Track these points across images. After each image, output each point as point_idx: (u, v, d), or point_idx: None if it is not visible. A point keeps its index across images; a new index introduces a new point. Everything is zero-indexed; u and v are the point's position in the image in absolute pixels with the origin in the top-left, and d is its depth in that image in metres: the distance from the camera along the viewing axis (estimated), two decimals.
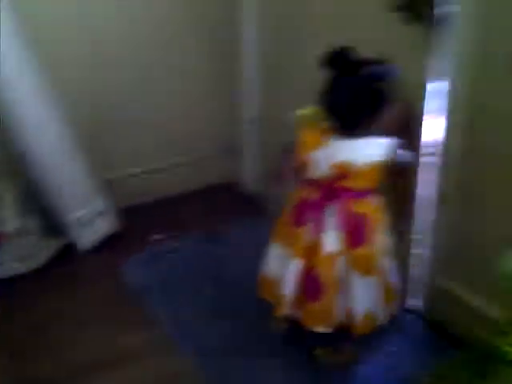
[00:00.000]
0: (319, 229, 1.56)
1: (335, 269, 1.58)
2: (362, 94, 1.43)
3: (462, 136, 1.63)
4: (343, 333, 1.69)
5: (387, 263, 1.67)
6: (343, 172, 1.49)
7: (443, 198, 1.73)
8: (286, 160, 1.61)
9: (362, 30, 1.80)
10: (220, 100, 2.75)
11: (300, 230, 1.59)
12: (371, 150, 1.48)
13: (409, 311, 1.97)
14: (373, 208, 1.58)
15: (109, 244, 2.45)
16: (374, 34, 1.63)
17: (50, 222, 2.37)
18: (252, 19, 2.47)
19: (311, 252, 1.59)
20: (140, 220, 2.58)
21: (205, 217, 2.64)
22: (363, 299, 1.64)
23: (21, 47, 2.02)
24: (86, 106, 2.40)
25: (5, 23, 1.94)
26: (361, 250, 1.57)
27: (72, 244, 2.40)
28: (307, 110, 1.57)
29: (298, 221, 1.59)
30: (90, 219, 2.38)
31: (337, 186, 1.52)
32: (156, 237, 2.48)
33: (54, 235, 2.38)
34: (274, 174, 1.68)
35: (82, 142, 2.30)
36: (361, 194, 1.54)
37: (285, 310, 1.67)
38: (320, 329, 1.69)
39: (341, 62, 1.42)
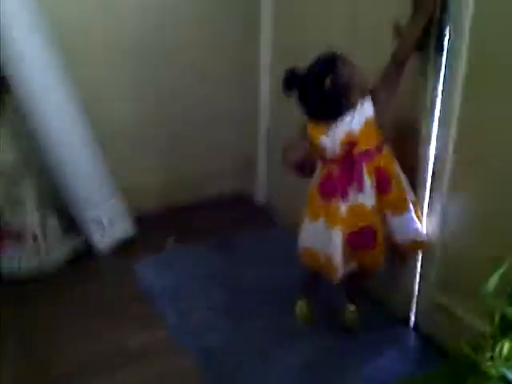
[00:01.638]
0: (347, 193, 1.73)
1: (378, 218, 1.78)
2: (323, 93, 1.62)
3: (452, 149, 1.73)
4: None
5: (411, 196, 1.82)
6: (351, 142, 1.68)
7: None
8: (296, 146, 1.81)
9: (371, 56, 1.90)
10: (236, 112, 2.84)
11: (332, 202, 1.74)
12: (361, 114, 1.66)
13: (400, 322, 2.04)
14: (388, 159, 1.76)
15: (124, 248, 2.55)
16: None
17: (69, 223, 2.47)
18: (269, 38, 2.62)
19: (352, 215, 1.75)
20: (155, 227, 2.67)
21: (218, 226, 2.72)
22: (405, 232, 1.82)
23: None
24: (104, 114, 2.51)
25: None
26: (390, 196, 1.76)
27: (89, 245, 2.49)
28: None
29: (328, 195, 1.76)
30: (107, 222, 2.47)
31: (353, 155, 1.70)
32: (170, 243, 2.57)
33: (71, 235, 2.48)
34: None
35: (101, 147, 2.42)
36: (374, 151, 1.72)
37: (337, 273, 1.81)
38: (379, 269, 1.89)
39: (295, 80, 1.64)
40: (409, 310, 2.04)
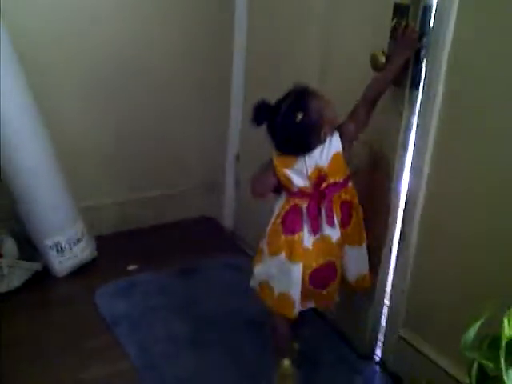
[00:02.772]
0: (319, 227, 1.70)
1: (340, 251, 1.77)
2: (294, 127, 1.60)
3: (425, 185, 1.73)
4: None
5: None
6: (320, 176, 1.67)
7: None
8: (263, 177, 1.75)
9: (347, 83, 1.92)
10: (204, 136, 2.80)
11: (297, 236, 1.70)
12: (330, 148, 1.65)
13: (366, 359, 2.02)
14: (353, 192, 1.76)
15: (83, 272, 2.46)
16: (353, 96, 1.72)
17: (27, 247, 2.38)
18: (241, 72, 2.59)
19: (318, 249, 1.72)
20: (116, 249, 2.60)
21: (181, 250, 2.66)
22: (356, 266, 1.82)
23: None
24: (65, 133, 2.44)
25: None
26: (349, 229, 1.76)
27: (47, 269, 2.40)
28: None
29: (293, 228, 1.71)
30: (66, 246, 2.38)
31: (321, 188, 1.68)
32: (130, 267, 2.50)
33: (29, 259, 2.38)
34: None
35: (61, 169, 2.34)
36: (341, 184, 1.71)
37: (294, 310, 1.77)
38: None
39: (265, 112, 1.63)
40: (375, 346, 2.03)
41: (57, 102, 2.41)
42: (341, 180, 1.70)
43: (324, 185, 1.68)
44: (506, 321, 0.99)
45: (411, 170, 1.77)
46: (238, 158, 2.77)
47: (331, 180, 1.68)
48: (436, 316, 1.78)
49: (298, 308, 1.76)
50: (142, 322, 2.17)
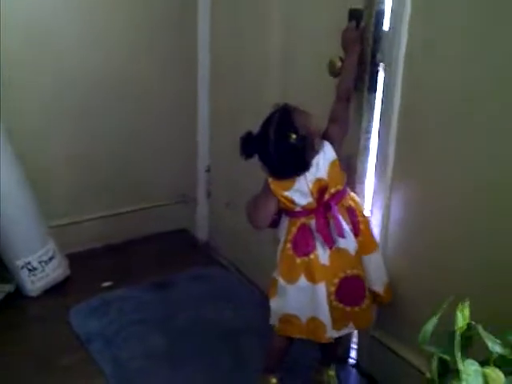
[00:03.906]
0: (333, 240, 1.64)
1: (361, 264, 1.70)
2: (289, 149, 1.55)
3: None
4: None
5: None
6: (322, 188, 1.62)
7: None
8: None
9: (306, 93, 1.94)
10: (174, 150, 2.81)
11: (312, 256, 1.64)
12: (324, 158, 1.61)
13: (343, 362, 2.02)
14: (355, 198, 1.74)
15: (56, 290, 2.44)
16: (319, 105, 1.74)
17: None
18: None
19: (335, 262, 1.65)
20: (90, 266, 2.58)
21: (155, 264, 2.66)
22: (379, 274, 1.75)
23: None
24: (34, 149, 2.44)
25: None
26: (361, 237, 1.69)
27: (19, 289, 2.38)
28: None
29: (307, 248, 1.65)
30: (38, 265, 2.36)
31: (325, 200, 1.63)
32: (104, 284, 2.48)
33: (1, 281, 2.36)
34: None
35: (31, 187, 2.33)
36: (342, 192, 1.67)
37: (327, 333, 1.69)
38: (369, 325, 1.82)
39: (254, 143, 1.58)
40: (349, 348, 2.04)
41: (28, 120, 2.41)
42: (341, 188, 1.66)
43: (327, 196, 1.63)
44: (459, 313, 1.01)
45: (375, 173, 1.80)
46: (208, 169, 2.78)
47: (332, 190, 1.64)
48: (408, 315, 1.78)
49: (330, 331, 1.68)
50: (117, 338, 2.15)
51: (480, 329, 1.03)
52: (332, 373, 1.90)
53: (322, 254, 1.64)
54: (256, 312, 2.22)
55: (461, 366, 0.97)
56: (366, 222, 1.72)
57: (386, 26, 1.67)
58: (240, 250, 2.56)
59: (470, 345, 1.08)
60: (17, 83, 2.31)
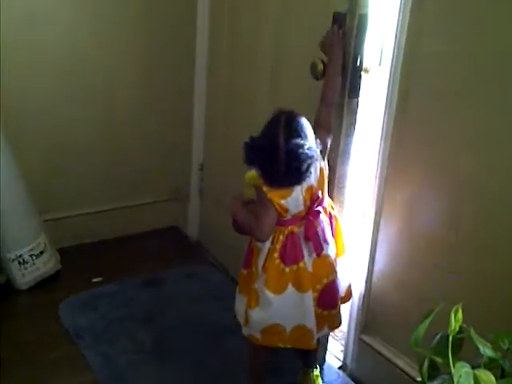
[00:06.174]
0: (322, 247, 1.64)
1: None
2: (305, 155, 1.49)
3: None
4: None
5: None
6: (313, 194, 1.61)
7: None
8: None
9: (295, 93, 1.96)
10: (168, 147, 2.81)
11: (301, 264, 1.62)
12: (316, 164, 1.58)
13: (331, 365, 2.04)
14: (331, 204, 1.73)
15: (47, 284, 2.44)
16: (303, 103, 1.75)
17: None
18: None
19: (318, 269, 1.65)
20: (81, 261, 2.59)
21: (145, 261, 2.66)
22: (345, 277, 1.77)
23: None
24: (30, 145, 2.44)
25: None
26: (335, 240, 1.70)
27: (10, 282, 2.38)
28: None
29: (296, 257, 1.62)
30: (28, 258, 2.36)
31: (314, 207, 1.62)
32: (95, 279, 2.48)
33: None
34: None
35: (25, 181, 2.33)
36: (323, 199, 1.66)
37: (314, 339, 1.70)
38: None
39: (259, 151, 1.53)
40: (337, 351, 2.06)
41: (23, 116, 2.40)
42: (323, 195, 1.65)
43: (316, 204, 1.62)
44: (452, 316, 1.03)
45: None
46: (201, 167, 2.79)
47: (320, 196, 1.63)
48: (394, 319, 1.81)
49: (315, 337, 1.70)
50: (106, 333, 2.16)
51: (472, 331, 1.05)
52: (317, 374, 1.90)
53: (308, 262, 1.63)
54: None
55: (453, 369, 0.99)
56: (339, 226, 1.73)
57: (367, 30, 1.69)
58: (230, 249, 2.57)
59: (460, 348, 1.10)
60: (14, 71, 2.29)
